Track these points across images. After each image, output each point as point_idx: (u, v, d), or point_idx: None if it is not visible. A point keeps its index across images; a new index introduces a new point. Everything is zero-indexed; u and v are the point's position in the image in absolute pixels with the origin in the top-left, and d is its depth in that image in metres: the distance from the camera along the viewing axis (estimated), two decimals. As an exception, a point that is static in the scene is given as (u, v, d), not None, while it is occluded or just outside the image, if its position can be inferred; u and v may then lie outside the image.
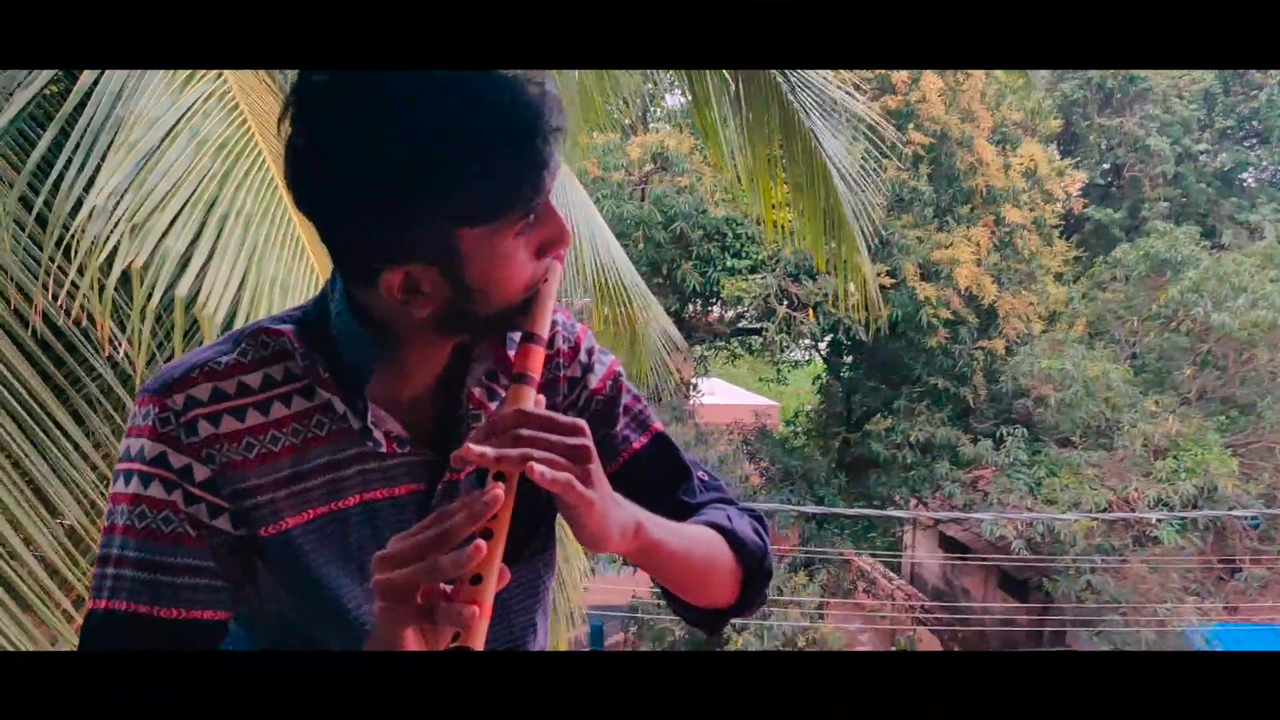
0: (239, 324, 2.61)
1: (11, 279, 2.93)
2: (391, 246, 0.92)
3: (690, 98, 4.55)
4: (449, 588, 0.87)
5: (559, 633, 4.80)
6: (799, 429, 17.32)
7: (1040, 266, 14.13)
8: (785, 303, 13.06)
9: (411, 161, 0.87)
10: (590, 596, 13.62)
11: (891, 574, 16.55)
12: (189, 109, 2.83)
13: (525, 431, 0.91)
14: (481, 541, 0.85)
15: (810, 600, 12.95)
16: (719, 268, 12.97)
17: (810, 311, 13.07)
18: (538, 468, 0.88)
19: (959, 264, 12.85)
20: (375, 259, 0.94)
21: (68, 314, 2.83)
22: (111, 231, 2.54)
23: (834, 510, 13.26)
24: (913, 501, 14.50)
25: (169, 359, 2.85)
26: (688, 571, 1.09)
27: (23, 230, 2.99)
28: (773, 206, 4.94)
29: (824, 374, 16.87)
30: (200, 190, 2.67)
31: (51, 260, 2.69)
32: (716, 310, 14.88)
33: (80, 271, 2.54)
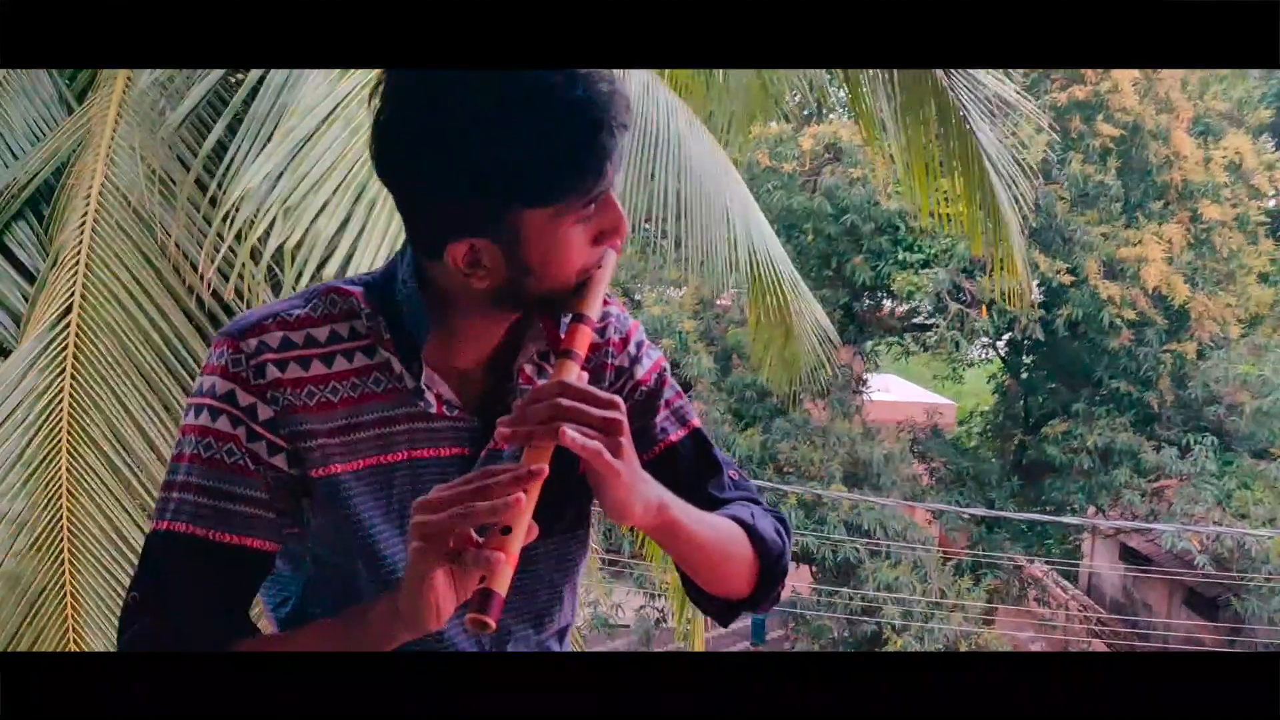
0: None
1: (185, 255, 3.15)
2: (459, 220, 1.00)
3: (844, 87, 4.49)
4: (480, 539, 0.94)
5: (697, 630, 4.82)
6: (973, 429, 16.83)
7: (1242, 266, 13.30)
8: (959, 299, 12.70)
9: (484, 143, 0.95)
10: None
11: (1066, 583, 15.90)
12: (345, 97, 2.98)
13: (564, 401, 0.97)
14: (521, 494, 0.92)
15: (975, 605, 12.59)
16: (890, 261, 12.73)
17: (984, 309, 12.68)
18: (569, 432, 0.95)
19: (1147, 262, 12.22)
20: (444, 231, 1.02)
21: (237, 295, 3.03)
22: (267, 212, 2.71)
23: (1005, 514, 12.84)
24: (1090, 509, 13.90)
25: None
26: (706, 557, 1.14)
27: (197, 210, 3.21)
28: (943, 198, 4.86)
29: (1001, 373, 16.33)
30: (350, 175, 2.82)
31: (221, 237, 2.89)
32: (888, 305, 14.59)
33: (239, 250, 2.72)
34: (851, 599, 12.27)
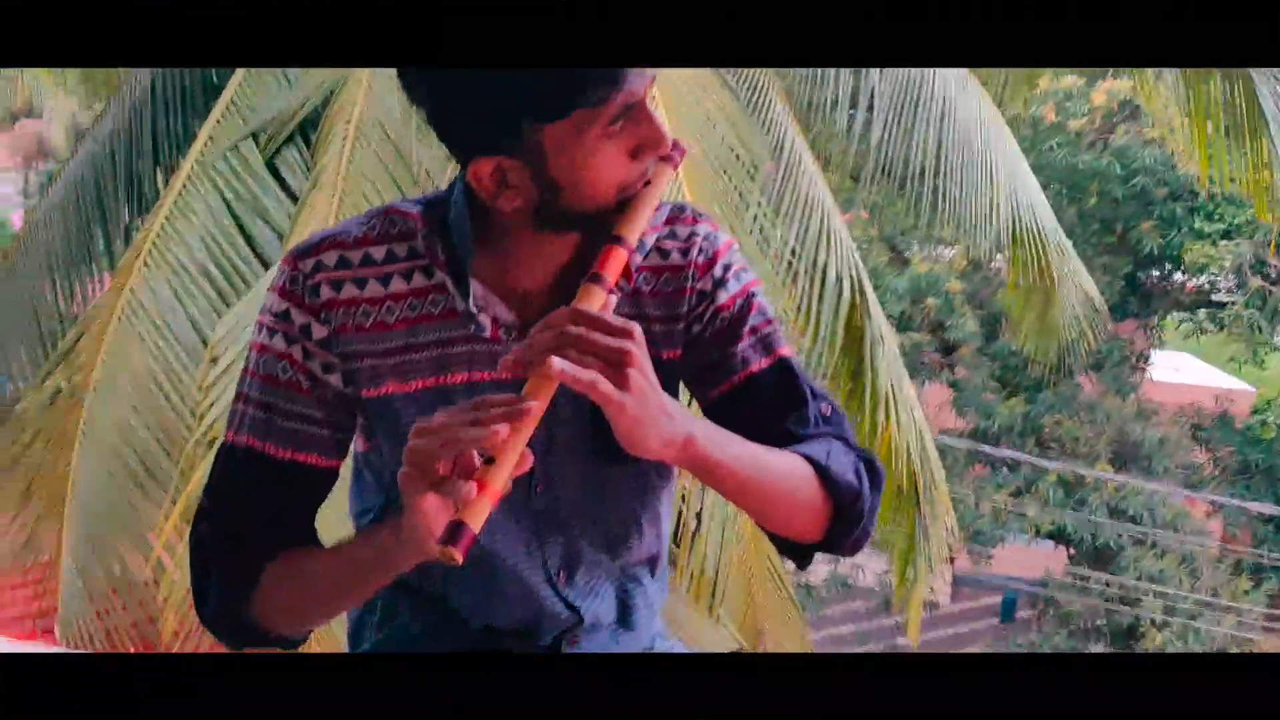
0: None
1: (434, 184, 3.29)
2: (480, 138, 0.98)
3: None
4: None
5: (914, 600, 4.66)
6: (1270, 420, 15.36)
7: None
8: (1263, 274, 11.55)
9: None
10: (1000, 565, 13.05)
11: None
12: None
13: (570, 328, 0.93)
14: (502, 426, 0.88)
15: (1253, 610, 11.58)
16: (1184, 230, 11.71)
17: (1291, 287, 11.49)
18: (557, 364, 0.91)
19: None
20: (469, 149, 1.00)
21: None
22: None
23: (1297, 514, 11.71)
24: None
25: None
26: (760, 497, 1.07)
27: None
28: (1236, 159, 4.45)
29: (1308, 361, 14.80)
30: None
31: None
32: (1179, 277, 13.46)
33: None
34: (1109, 586, 11.56)
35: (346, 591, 1.09)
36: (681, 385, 1.19)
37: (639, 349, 0.94)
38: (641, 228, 1.03)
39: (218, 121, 3.51)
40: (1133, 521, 11.26)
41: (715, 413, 1.15)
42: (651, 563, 1.22)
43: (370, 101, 3.41)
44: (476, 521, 0.88)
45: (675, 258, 1.15)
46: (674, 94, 3.40)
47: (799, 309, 4.15)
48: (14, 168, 19.54)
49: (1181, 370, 15.34)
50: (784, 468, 1.07)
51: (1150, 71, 4.15)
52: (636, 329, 0.95)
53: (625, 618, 1.20)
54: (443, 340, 1.09)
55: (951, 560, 12.51)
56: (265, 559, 1.07)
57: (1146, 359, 13.38)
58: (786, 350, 1.17)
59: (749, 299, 1.17)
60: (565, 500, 1.14)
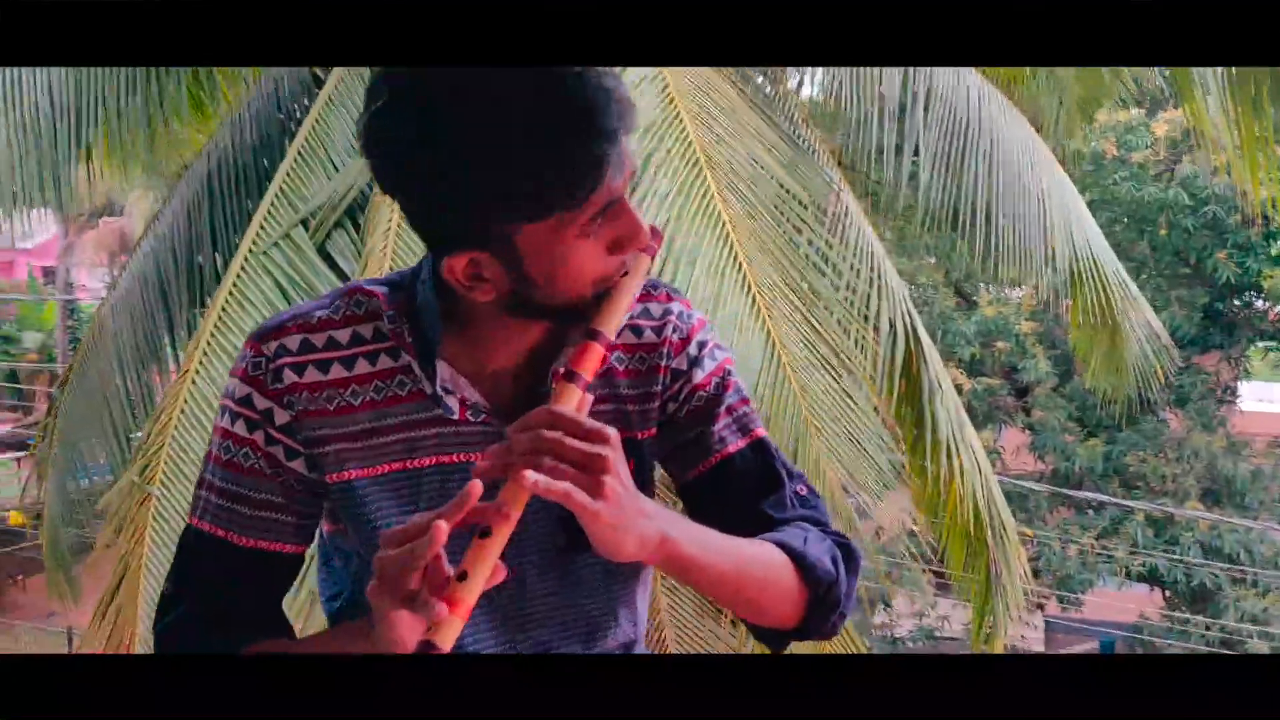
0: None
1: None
2: (455, 234, 0.98)
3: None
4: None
5: (994, 641, 4.55)
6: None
7: None
8: (1349, 298, 11.19)
9: (472, 158, 0.92)
10: (1093, 610, 12.61)
11: None
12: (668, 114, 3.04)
13: (546, 434, 0.92)
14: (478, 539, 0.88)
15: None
16: (1260, 256, 11.40)
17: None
18: (530, 476, 0.90)
19: None
20: (442, 243, 1.00)
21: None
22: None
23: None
24: None
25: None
26: (736, 590, 1.06)
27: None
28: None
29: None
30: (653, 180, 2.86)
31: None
32: (1260, 305, 13.08)
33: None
34: (1209, 629, 11.13)
35: None
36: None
37: (615, 453, 0.93)
38: (620, 322, 1.03)
39: (269, 210, 3.61)
40: (1230, 560, 10.85)
41: (691, 493, 1.14)
42: (626, 649, 1.19)
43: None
44: (447, 641, 0.86)
45: (649, 336, 1.14)
46: (719, 141, 3.40)
47: (853, 359, 4.13)
48: (100, 264, 20.33)
49: (1273, 401, 14.85)
50: (761, 560, 1.06)
51: (1199, 95, 4.08)
52: (613, 434, 0.94)
53: None
54: (409, 423, 1.08)
55: (1040, 606, 12.16)
56: (233, 649, 1.06)
57: (1233, 391, 12.98)
58: (761, 430, 1.16)
59: (724, 377, 1.16)
60: (535, 593, 1.12)
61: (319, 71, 4.21)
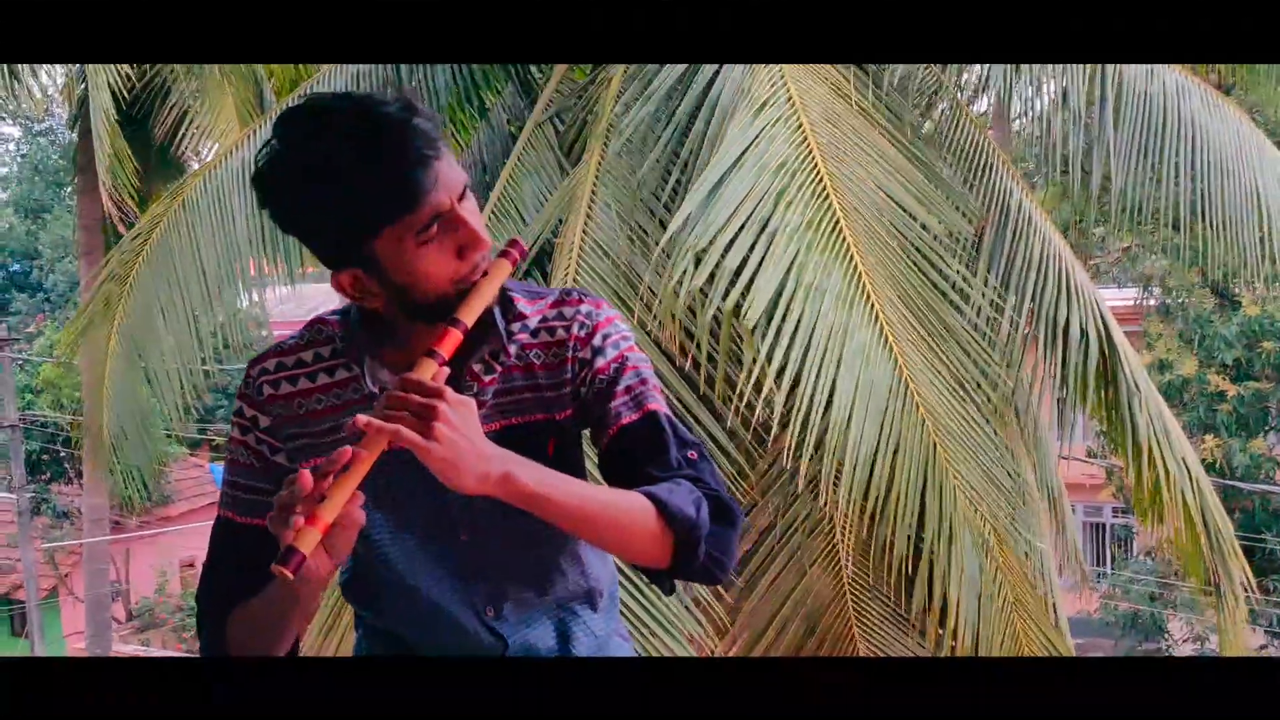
0: (772, 330, 2.94)
1: (655, 295, 3.57)
2: (331, 255, 1.25)
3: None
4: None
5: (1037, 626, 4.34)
6: None
7: None
8: None
9: (321, 191, 1.18)
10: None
11: None
12: (757, 135, 3.22)
13: (394, 392, 1.16)
14: (305, 472, 1.12)
15: None
16: None
17: None
18: (361, 419, 1.13)
19: None
20: (329, 265, 1.26)
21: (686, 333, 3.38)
22: (686, 253, 3.01)
23: None
24: None
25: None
26: (593, 527, 1.24)
27: (667, 256, 3.63)
28: None
29: None
30: (757, 209, 3.04)
31: (680, 285, 3.26)
32: None
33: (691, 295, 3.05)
34: None
35: (275, 624, 1.29)
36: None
37: (446, 405, 1.14)
38: (478, 312, 1.25)
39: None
40: None
41: (602, 462, 1.35)
42: (589, 597, 1.41)
43: (592, 227, 3.78)
44: (307, 546, 1.10)
45: (560, 334, 1.37)
46: (849, 179, 3.50)
47: (1042, 369, 4.09)
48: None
49: None
50: (622, 504, 1.25)
51: None
52: (447, 390, 1.15)
53: (565, 646, 1.40)
54: None
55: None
56: (233, 607, 1.33)
57: None
58: (655, 406, 1.36)
59: (623, 363, 1.37)
60: (488, 546, 1.36)
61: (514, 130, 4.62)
